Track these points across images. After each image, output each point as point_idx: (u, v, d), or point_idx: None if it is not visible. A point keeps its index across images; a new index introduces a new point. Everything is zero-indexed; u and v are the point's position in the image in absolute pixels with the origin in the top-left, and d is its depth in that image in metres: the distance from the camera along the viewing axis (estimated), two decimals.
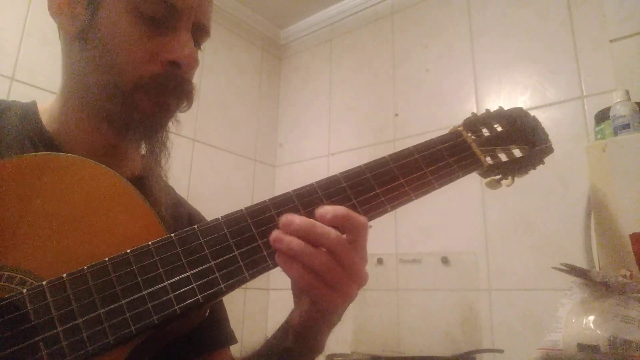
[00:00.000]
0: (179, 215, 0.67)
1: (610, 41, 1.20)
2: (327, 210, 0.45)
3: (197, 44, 0.59)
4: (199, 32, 0.58)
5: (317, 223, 0.44)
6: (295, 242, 0.43)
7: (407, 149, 0.54)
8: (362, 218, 0.46)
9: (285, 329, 0.54)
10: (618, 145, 0.95)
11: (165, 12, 0.53)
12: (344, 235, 0.45)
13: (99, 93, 0.54)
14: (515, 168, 0.60)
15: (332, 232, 0.44)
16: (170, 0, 0.53)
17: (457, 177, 0.55)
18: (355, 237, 0.46)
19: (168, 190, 0.64)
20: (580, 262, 0.95)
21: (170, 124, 0.59)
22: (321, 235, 0.44)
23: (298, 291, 0.52)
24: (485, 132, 0.60)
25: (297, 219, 0.44)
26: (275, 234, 0.44)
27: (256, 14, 2.34)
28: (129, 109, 0.54)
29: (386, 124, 1.97)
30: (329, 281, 0.44)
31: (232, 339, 0.68)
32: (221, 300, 0.68)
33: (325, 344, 0.53)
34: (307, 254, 0.43)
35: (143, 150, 0.59)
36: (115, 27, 0.53)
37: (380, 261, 1.78)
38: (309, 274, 0.43)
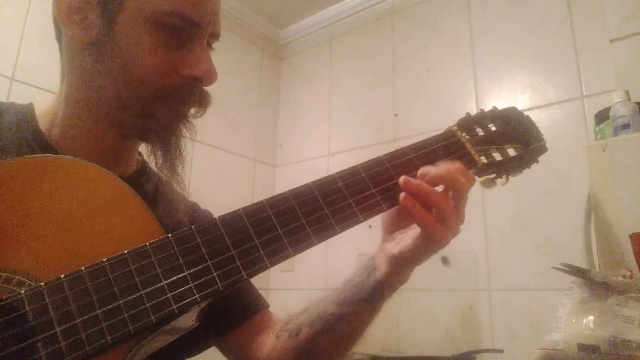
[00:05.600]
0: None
1: (610, 41, 1.20)
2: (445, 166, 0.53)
3: (209, 46, 0.60)
4: (212, 38, 0.59)
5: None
6: (424, 184, 0.51)
7: (402, 148, 0.55)
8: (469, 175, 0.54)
9: (370, 267, 0.57)
10: (618, 145, 0.95)
11: (186, 26, 0.53)
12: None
13: (115, 104, 0.54)
14: (510, 167, 0.60)
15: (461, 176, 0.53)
16: (190, 16, 0.53)
17: None
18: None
19: (183, 196, 0.64)
20: (580, 262, 0.95)
21: (184, 129, 0.59)
22: (449, 180, 0.52)
23: (396, 227, 0.57)
24: (480, 131, 0.61)
25: (433, 169, 0.52)
26: (404, 178, 0.51)
27: (256, 14, 2.34)
28: (145, 118, 0.54)
29: (386, 124, 1.96)
30: (444, 217, 0.51)
31: (265, 302, 0.75)
32: None
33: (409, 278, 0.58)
34: (432, 193, 0.51)
35: (159, 159, 0.58)
36: (135, 40, 0.52)
37: None
38: (428, 212, 0.51)
